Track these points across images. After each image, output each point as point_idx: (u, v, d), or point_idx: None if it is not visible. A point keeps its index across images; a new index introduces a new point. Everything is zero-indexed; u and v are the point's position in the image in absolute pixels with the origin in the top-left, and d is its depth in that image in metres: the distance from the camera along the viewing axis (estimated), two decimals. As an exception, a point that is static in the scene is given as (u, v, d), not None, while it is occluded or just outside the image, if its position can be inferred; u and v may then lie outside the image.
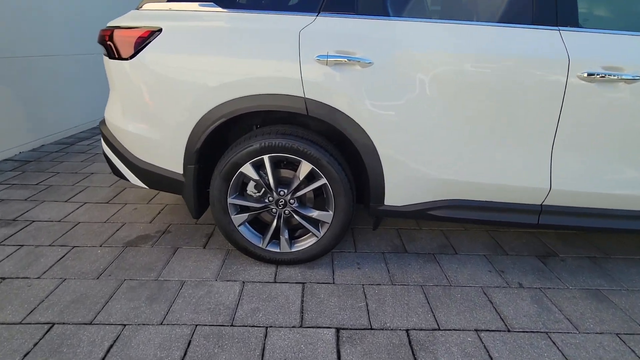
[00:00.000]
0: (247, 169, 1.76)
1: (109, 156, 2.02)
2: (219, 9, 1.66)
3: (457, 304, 1.70)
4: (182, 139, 1.75)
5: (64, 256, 1.98)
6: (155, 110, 1.73)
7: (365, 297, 1.73)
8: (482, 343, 1.49)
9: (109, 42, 1.72)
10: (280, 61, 1.59)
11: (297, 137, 1.70)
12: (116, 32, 1.71)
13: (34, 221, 2.35)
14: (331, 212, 1.82)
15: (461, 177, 1.69)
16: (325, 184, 1.76)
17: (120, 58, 1.71)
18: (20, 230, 2.24)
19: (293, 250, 1.91)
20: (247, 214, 1.86)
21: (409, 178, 1.72)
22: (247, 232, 1.91)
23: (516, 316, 1.64)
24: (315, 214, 1.83)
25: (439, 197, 1.77)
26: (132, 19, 1.73)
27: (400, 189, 1.75)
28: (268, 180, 1.79)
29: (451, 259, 2.06)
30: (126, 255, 2.00)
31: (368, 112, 1.61)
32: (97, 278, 1.81)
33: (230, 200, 1.82)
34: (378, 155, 1.68)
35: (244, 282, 1.81)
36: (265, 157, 1.73)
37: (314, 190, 1.83)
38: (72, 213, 2.46)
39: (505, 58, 1.53)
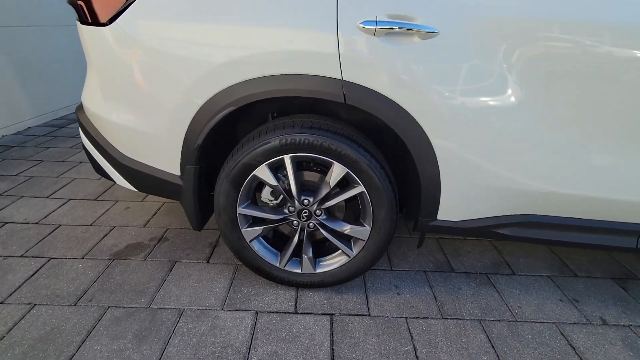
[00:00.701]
0: (263, 172, 1.36)
1: (90, 151, 1.63)
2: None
3: (529, 348, 1.33)
4: (178, 132, 1.35)
5: (37, 271, 1.62)
6: (143, 95, 1.32)
7: (412, 337, 1.36)
8: (574, 412, 1.12)
9: (79, 1, 1.30)
10: (309, 29, 1.16)
11: (329, 132, 1.30)
12: None
13: (6, 223, 1.98)
14: (368, 228, 1.43)
15: (548, 186, 1.28)
16: (362, 192, 1.37)
17: (95, 23, 1.29)
18: (-11, 234, 1.88)
19: (318, 271, 1.53)
20: (262, 227, 1.48)
21: (473, 187, 1.32)
22: (260, 249, 1.53)
23: (609, 369, 1.27)
24: (347, 228, 1.45)
25: (509, 211, 1.38)
26: None
27: (459, 201, 1.35)
28: (289, 186, 1.39)
29: (509, 281, 1.68)
30: (113, 272, 1.64)
31: (426, 101, 1.19)
32: (75, 304, 1.45)
33: (240, 210, 1.43)
34: (435, 156, 1.27)
35: (257, 313, 1.45)
36: (287, 158, 1.33)
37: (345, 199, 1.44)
38: (54, 213, 2.09)
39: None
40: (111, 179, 1.62)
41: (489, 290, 1.62)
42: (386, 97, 1.20)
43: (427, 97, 1.19)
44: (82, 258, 1.72)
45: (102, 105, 1.43)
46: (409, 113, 1.22)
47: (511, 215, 1.39)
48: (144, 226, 2.00)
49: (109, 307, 1.45)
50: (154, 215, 2.11)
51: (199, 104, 1.28)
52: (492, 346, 1.34)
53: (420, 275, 1.70)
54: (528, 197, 1.31)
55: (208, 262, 1.73)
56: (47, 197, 2.26)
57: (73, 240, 1.85)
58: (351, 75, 1.19)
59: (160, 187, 1.50)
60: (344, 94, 1.21)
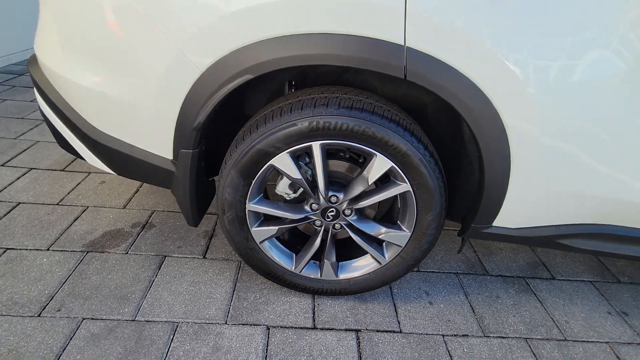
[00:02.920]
0: (283, 162, 1.05)
1: (50, 119, 1.25)
2: None
3: (586, 377, 1.16)
4: (170, 104, 1.00)
5: (-11, 267, 1.31)
6: (120, 48, 0.96)
7: (453, 361, 1.16)
8: None
9: None
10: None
11: (375, 116, 0.98)
12: None
13: (-50, 198, 1.61)
14: (408, 232, 1.17)
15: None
16: (408, 191, 1.09)
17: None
18: None
19: (340, 277, 1.28)
20: (277, 227, 1.19)
21: (551, 191, 1.06)
22: (272, 250, 1.25)
23: (674, 403, 1.11)
24: (382, 231, 1.18)
25: (580, 220, 1.14)
26: None
27: (526, 207, 1.10)
28: (315, 179, 1.10)
29: (550, 287, 1.48)
30: (87, 269, 1.34)
31: (508, 78, 0.89)
32: (39, 315, 1.16)
33: (250, 206, 1.13)
34: (509, 150, 0.99)
35: (268, 328, 1.20)
36: (316, 145, 1.02)
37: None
38: (11, 186, 1.73)
39: None
40: (82, 158, 1.27)
41: (530, 299, 1.42)
42: (456, 69, 0.89)
43: (513, 72, 0.88)
44: (48, 249, 1.41)
45: (61, 61, 1.04)
46: (483, 92, 0.91)
47: (582, 224, 1.15)
48: (124, 207, 1.67)
49: (83, 319, 1.16)
50: (135, 193, 1.78)
51: (201, 68, 0.93)
52: (545, 374, 1.15)
53: (451, 278, 1.48)
54: (614, 206, 1.07)
55: (204, 257, 1.45)
56: (3, 165, 1.87)
57: (35, 224, 1.52)
58: (418, 41, 0.86)
59: (145, 172, 1.17)
60: (406, 67, 0.89)
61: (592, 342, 1.28)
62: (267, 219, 1.23)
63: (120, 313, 1.19)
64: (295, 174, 1.07)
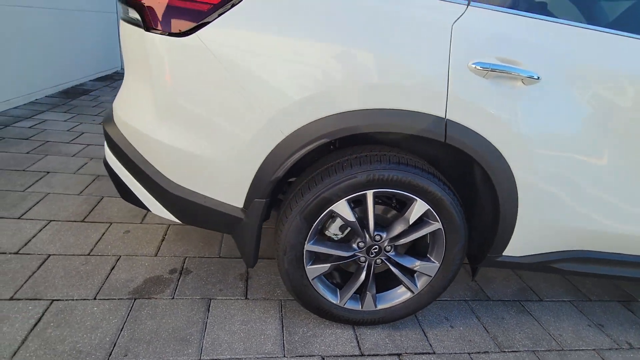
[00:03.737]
0: (342, 208, 1.26)
1: (119, 174, 1.37)
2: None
3: (585, 378, 1.42)
4: (253, 161, 1.19)
5: (40, 319, 1.32)
6: (216, 117, 1.15)
7: (483, 374, 1.36)
8: None
9: (149, 6, 1.08)
10: (420, 62, 1.11)
11: (418, 169, 1.25)
12: None
13: (-25, 253, 1.60)
14: (437, 264, 1.40)
15: (615, 225, 1.37)
16: (439, 229, 1.34)
17: (169, 33, 1.09)
18: (-44, 269, 1.49)
19: (379, 308, 1.47)
20: (329, 264, 1.37)
21: (547, 224, 1.36)
22: (321, 287, 1.42)
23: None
24: (417, 264, 1.40)
25: (567, 247, 1.45)
26: None
27: (528, 237, 1.39)
28: (367, 221, 1.31)
29: (540, 308, 1.77)
30: (140, 315, 1.40)
31: (518, 143, 1.20)
32: (108, 361, 1.21)
33: (308, 246, 1.31)
34: (517, 195, 1.29)
35: (323, 358, 1.34)
36: (369, 193, 1.26)
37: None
38: (35, 239, 1.73)
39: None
40: (144, 207, 1.38)
41: (527, 318, 1.69)
42: (483, 136, 1.19)
43: (517, 138, 1.20)
44: (95, 299, 1.45)
45: (153, 124, 1.21)
46: (500, 153, 1.22)
47: (568, 250, 1.46)
48: (156, 255, 1.74)
49: (152, 362, 1.23)
50: (162, 240, 1.86)
51: (286, 133, 1.15)
52: (555, 379, 1.39)
53: (462, 304, 1.71)
54: (592, 235, 1.39)
55: (246, 298, 1.57)
56: (20, 218, 1.87)
57: (74, 275, 1.55)
58: (455, 114, 1.16)
59: (211, 219, 1.32)
60: (446, 133, 1.17)
61: (583, 349, 1.55)
62: (319, 258, 1.40)
63: (185, 354, 1.27)
64: (351, 217, 1.29)
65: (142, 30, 1.13)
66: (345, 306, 1.44)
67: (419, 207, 1.30)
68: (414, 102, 1.13)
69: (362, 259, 1.40)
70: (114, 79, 5.16)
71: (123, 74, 5.56)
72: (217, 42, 1.07)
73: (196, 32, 1.07)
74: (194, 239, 1.90)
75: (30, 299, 1.40)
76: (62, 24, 4.23)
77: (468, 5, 1.15)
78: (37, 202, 2.02)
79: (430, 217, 1.33)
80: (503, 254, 1.43)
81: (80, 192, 2.18)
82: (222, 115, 1.14)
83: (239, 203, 1.28)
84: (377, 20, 1.09)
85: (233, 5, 1.06)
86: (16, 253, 1.63)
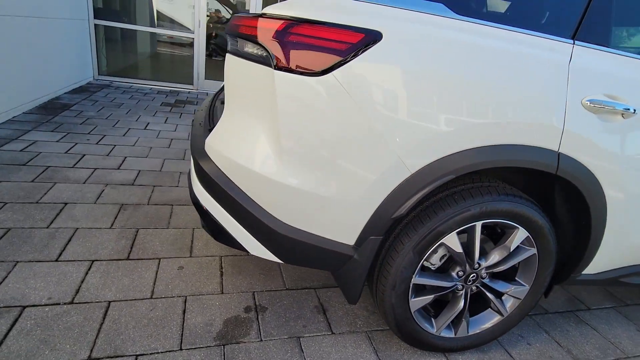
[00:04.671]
0: (452, 240, 1.27)
1: (214, 213, 1.28)
2: (452, 15, 1.12)
3: (657, 384, 1.53)
4: (373, 200, 1.16)
5: (132, 379, 1.19)
6: (344, 155, 1.11)
7: (576, 390, 1.43)
8: None
9: (284, 44, 1.02)
10: (540, 100, 1.14)
11: (522, 199, 1.29)
12: (304, 30, 1.02)
13: (24, 307, 1.41)
14: (527, 287, 1.45)
15: None
16: (534, 255, 1.39)
17: (300, 72, 1.03)
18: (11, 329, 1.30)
19: (470, 333, 1.49)
20: (432, 295, 1.37)
21: (624, 245, 1.46)
22: (419, 318, 1.41)
23: None
24: (511, 289, 1.44)
25: (633, 262, 1.56)
26: (329, 10, 1.05)
27: (606, 257, 1.48)
28: (472, 251, 1.33)
29: (592, 317, 1.88)
30: (237, 364, 1.31)
31: (613, 172, 1.28)
32: (228, 421, 1.11)
33: (416, 279, 1.31)
34: (606, 220, 1.37)
35: (433, 391, 1.33)
36: (478, 224, 1.28)
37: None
38: (84, 284, 1.56)
39: None
40: (239, 248, 1.30)
41: (586, 328, 1.79)
42: (586, 167, 1.25)
43: (616, 168, 1.28)
44: (181, 349, 1.33)
45: (273, 165, 1.14)
46: (599, 182, 1.29)
47: (634, 265, 1.57)
48: (222, 292, 1.64)
49: (272, 416, 1.15)
50: (222, 275, 1.75)
51: (412, 170, 1.13)
52: (635, 387, 1.49)
53: (528, 320, 1.78)
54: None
55: (332, 332, 1.52)
56: (58, 261, 1.67)
57: (146, 323, 1.42)
58: (566, 148, 1.21)
59: (318, 258, 1.27)
60: (558, 165, 1.22)
61: (643, 355, 1.68)
62: (422, 289, 1.40)
63: (302, 402, 1.21)
64: (459, 249, 1.30)
65: (268, 69, 1.06)
66: (440, 335, 1.45)
67: (520, 235, 1.33)
68: (533, 137, 1.17)
69: (460, 287, 1.41)
70: (90, 91, 4.80)
71: (98, 84, 5.19)
72: (352, 81, 1.04)
73: (332, 72, 1.03)
74: (253, 270, 1.81)
75: (112, 357, 1.26)
76: (32, 32, 3.86)
77: (574, 43, 1.21)
78: (70, 240, 1.83)
79: (527, 243, 1.37)
80: (583, 272, 1.51)
81: (112, 226, 2.00)
82: (349, 154, 1.11)
83: (351, 241, 1.24)
84: (502, 61, 1.11)
85: (370, 45, 1.03)
86: (71, 303, 1.46)
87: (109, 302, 1.49)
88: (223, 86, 2.30)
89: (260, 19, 1.07)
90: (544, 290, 1.47)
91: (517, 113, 1.13)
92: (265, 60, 1.06)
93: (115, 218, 2.07)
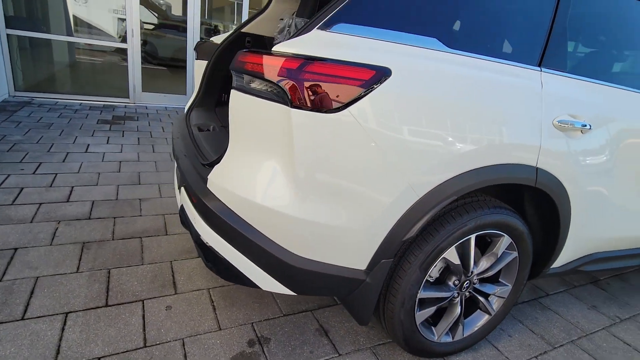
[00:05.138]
0: (452, 254, 1.37)
1: (222, 252, 1.22)
2: (445, 49, 1.21)
3: (620, 353, 1.78)
4: (385, 225, 1.21)
5: None
6: (358, 186, 1.13)
7: (556, 373, 1.61)
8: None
9: (299, 82, 1.01)
10: (522, 124, 1.28)
11: (507, 210, 1.43)
12: (319, 68, 1.02)
13: (-1, 380, 1.22)
14: (510, 286, 1.61)
15: (621, 233, 1.76)
16: (515, 257, 1.55)
17: (317, 109, 1.04)
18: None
19: (465, 335, 1.60)
20: (435, 306, 1.45)
21: (584, 239, 1.68)
22: (423, 329, 1.49)
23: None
24: (497, 290, 1.59)
25: (588, 252, 1.80)
26: (337, 47, 1.07)
27: (568, 251, 1.69)
28: (467, 261, 1.44)
29: (552, 302, 2.13)
30: (255, 404, 1.27)
31: (576, 178, 1.47)
32: None
33: (421, 294, 1.38)
34: (570, 219, 1.57)
35: (443, 396, 1.41)
36: (473, 237, 1.39)
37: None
38: (64, 342, 1.40)
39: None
40: (250, 285, 1.26)
41: (550, 313, 2.02)
42: (555, 177, 1.42)
43: (578, 175, 1.47)
44: (194, 398, 1.26)
45: (287, 200, 1.12)
46: (565, 189, 1.47)
47: (589, 254, 1.82)
48: (220, 329, 1.58)
49: None
50: (214, 310, 1.68)
51: (420, 194, 1.20)
52: (599, 361, 1.72)
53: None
54: (607, 239, 1.76)
55: (339, 354, 1.54)
56: (23, 319, 1.48)
57: (147, 376, 1.31)
58: (542, 163, 1.36)
59: (331, 286, 1.28)
60: (536, 179, 1.37)
61: (597, 331, 1.94)
62: (424, 303, 1.47)
63: None
64: (457, 261, 1.40)
65: (283, 106, 1.05)
66: (440, 341, 1.54)
67: (505, 242, 1.48)
68: (518, 156, 1.30)
69: (456, 294, 1.52)
70: (9, 111, 4.24)
71: (16, 102, 4.61)
72: (366, 116, 1.08)
73: (347, 108, 1.05)
74: (246, 300, 1.76)
75: (119, 421, 1.15)
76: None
77: (541, 70, 1.37)
78: (32, 292, 1.62)
79: (510, 248, 1.52)
80: (551, 267, 1.71)
81: (78, 269, 1.81)
82: (364, 184, 1.14)
83: (363, 265, 1.28)
84: (491, 90, 1.23)
85: (382, 81, 1.07)
86: (55, 366, 1.30)
87: (99, 358, 1.36)
88: (190, 108, 2.20)
89: (272, 57, 1.05)
90: (522, 287, 1.63)
91: (506, 136, 1.25)
92: (279, 98, 1.05)
93: (80, 260, 1.88)
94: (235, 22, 8.90)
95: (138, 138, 3.96)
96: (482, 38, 1.30)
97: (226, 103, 2.30)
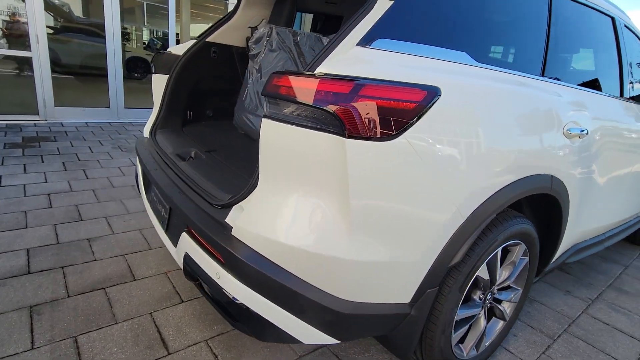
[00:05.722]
0: (483, 270, 1.34)
1: (261, 311, 1.02)
2: (474, 62, 1.16)
3: (604, 333, 1.93)
4: (435, 252, 1.12)
5: None
6: (412, 215, 1.03)
7: (566, 366, 1.69)
8: None
9: (353, 109, 0.87)
10: (546, 134, 1.30)
11: (524, 219, 1.44)
12: (372, 91, 0.88)
13: None
14: (521, 290, 1.64)
15: (601, 222, 1.91)
16: (527, 262, 1.58)
17: (371, 136, 0.90)
18: None
19: (487, 345, 1.60)
20: (467, 325, 1.41)
21: (574, 235, 1.78)
22: (456, 349, 1.44)
23: (627, 329, 2.03)
24: (512, 295, 1.61)
25: (574, 242, 1.92)
26: (387, 66, 0.95)
27: (562, 247, 1.79)
28: (494, 274, 1.42)
29: (537, 294, 2.26)
30: None
31: (575, 180, 1.55)
32: None
33: (458, 315, 1.33)
34: (568, 219, 1.65)
35: (485, 416, 1.38)
36: (499, 250, 1.37)
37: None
38: None
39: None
40: (292, 341, 1.08)
41: (538, 305, 2.14)
42: (562, 181, 1.48)
43: (576, 176, 1.55)
44: None
45: (340, 243, 0.97)
46: (567, 191, 1.54)
47: (575, 245, 1.94)
48: (235, 388, 1.36)
49: None
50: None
51: (464, 217, 1.13)
52: (592, 345, 1.85)
53: (501, 312, 2.02)
54: (586, 231, 1.90)
55: (371, 391, 1.42)
56: None
57: None
58: (555, 170, 1.40)
59: (375, 325, 1.16)
60: (552, 186, 1.40)
61: (579, 315, 2.09)
62: (457, 324, 1.42)
63: None
64: (487, 276, 1.37)
65: (335, 136, 0.90)
66: (468, 356, 1.52)
67: (521, 249, 1.49)
68: (544, 166, 1.32)
69: (481, 308, 1.50)
70: None
71: None
72: (420, 141, 0.98)
73: (403, 134, 0.94)
74: (252, 346, 1.56)
75: None
76: None
77: (556, 82, 1.40)
78: (-24, 389, 1.23)
79: (524, 254, 1.55)
80: (549, 264, 1.79)
81: (33, 344, 1.43)
82: (416, 214, 1.04)
83: (408, 298, 1.18)
84: (527, 103, 1.23)
85: (434, 102, 0.98)
86: None
87: None
88: (153, 130, 1.89)
89: (317, 80, 0.89)
90: (529, 289, 1.68)
91: (536, 147, 1.25)
92: (328, 126, 0.90)
93: (32, 331, 1.50)
94: (146, 24, 8.22)
95: (63, 163, 3.39)
96: (498, 50, 1.28)
97: (193, 122, 2.03)
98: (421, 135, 0.98)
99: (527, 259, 1.56)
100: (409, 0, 1.04)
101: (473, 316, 1.45)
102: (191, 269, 1.19)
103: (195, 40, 1.91)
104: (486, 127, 1.11)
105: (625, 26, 2.01)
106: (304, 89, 0.89)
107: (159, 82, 1.90)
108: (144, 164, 1.60)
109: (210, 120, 2.12)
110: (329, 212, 0.97)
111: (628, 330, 2.00)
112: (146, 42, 9.40)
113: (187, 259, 1.21)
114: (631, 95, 2.06)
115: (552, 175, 1.39)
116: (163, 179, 1.42)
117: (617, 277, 2.58)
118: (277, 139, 0.96)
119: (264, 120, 0.98)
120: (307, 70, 0.95)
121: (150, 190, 1.67)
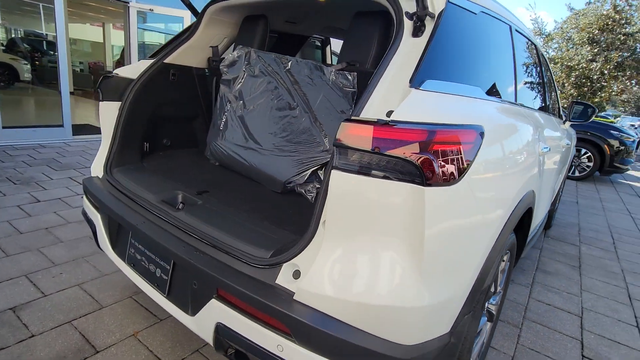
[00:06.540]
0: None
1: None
2: (486, 97, 1.23)
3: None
4: (473, 278, 1.16)
5: None
6: (467, 254, 1.05)
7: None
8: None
9: (430, 156, 0.83)
10: (536, 155, 1.46)
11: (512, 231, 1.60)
12: (442, 136, 0.86)
13: None
14: (501, 291, 1.82)
15: (540, 215, 2.22)
16: (509, 264, 1.75)
17: (444, 182, 0.88)
18: None
19: (482, 349, 1.72)
20: (483, 339, 1.50)
21: (532, 232, 2.04)
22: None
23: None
24: (498, 298, 1.76)
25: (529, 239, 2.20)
26: (445, 109, 0.96)
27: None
28: (497, 284, 1.54)
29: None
30: None
31: (539, 189, 1.78)
32: None
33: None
34: (532, 222, 1.88)
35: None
36: (506, 257, 1.51)
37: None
38: None
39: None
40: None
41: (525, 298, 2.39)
42: (534, 192, 1.68)
43: (539, 184, 1.78)
44: None
45: (411, 292, 0.93)
46: (536, 198, 1.75)
47: (529, 242, 2.22)
48: None
49: None
50: None
51: (495, 238, 1.20)
52: (547, 327, 2.14)
53: (471, 311, 2.21)
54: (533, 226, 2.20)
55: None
56: None
57: None
58: (534, 185, 1.58)
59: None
60: (534, 200, 1.58)
61: (529, 300, 2.41)
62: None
63: None
64: (493, 287, 1.48)
65: (414, 185, 0.85)
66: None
67: (507, 257, 1.65)
68: (531, 183, 1.47)
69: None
70: None
71: None
72: (475, 182, 1.00)
73: (463, 176, 0.95)
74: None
75: None
76: None
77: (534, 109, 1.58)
78: None
79: (509, 258, 1.72)
80: (518, 261, 2.02)
81: None
82: (470, 250, 1.07)
83: (446, 329, 1.20)
84: (530, 129, 1.36)
85: (482, 141, 1.01)
86: None
87: None
88: (107, 167, 1.57)
89: (392, 129, 0.84)
90: (507, 288, 1.87)
91: (535, 168, 1.40)
92: (406, 175, 0.85)
93: None
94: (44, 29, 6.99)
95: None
96: (491, 82, 1.40)
97: (150, 153, 1.75)
98: (476, 177, 1.01)
99: (507, 262, 1.74)
100: (440, 40, 1.06)
101: (480, 327, 1.55)
102: (231, 342, 1.02)
103: (151, 62, 1.64)
104: (507, 156, 1.20)
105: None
106: (381, 139, 0.83)
107: (108, 111, 1.58)
108: (114, 213, 1.32)
109: (168, 150, 1.85)
110: (404, 262, 0.93)
111: (565, 307, 2.38)
112: (3, 44, 7.80)
113: (223, 330, 1.03)
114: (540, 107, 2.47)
115: (532, 190, 1.57)
116: (157, 232, 1.19)
117: (538, 260, 3.04)
118: (349, 191, 0.88)
119: (333, 172, 0.88)
120: (359, 115, 0.90)
121: (122, 244, 1.38)
